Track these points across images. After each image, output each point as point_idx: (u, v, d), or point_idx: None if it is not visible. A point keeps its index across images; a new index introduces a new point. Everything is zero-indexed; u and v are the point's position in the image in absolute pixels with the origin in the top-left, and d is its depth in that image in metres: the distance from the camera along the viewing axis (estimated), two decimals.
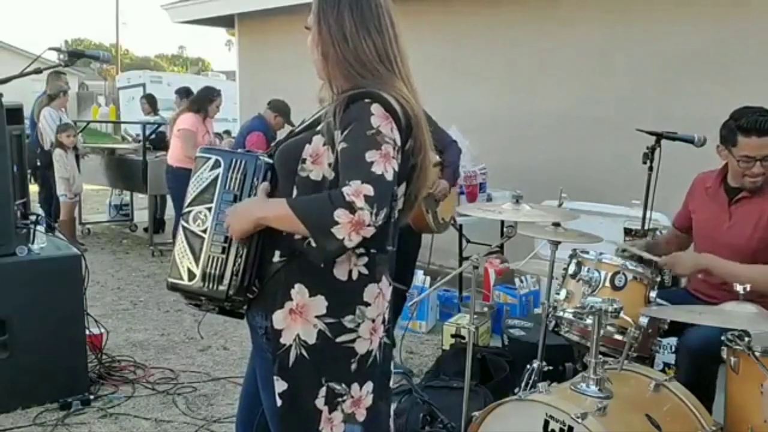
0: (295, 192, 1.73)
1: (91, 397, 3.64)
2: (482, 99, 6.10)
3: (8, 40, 29.90)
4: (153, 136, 8.07)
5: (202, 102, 6.48)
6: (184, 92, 7.97)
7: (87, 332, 3.83)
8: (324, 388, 1.74)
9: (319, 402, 1.74)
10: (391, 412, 1.97)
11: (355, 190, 1.57)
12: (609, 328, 2.65)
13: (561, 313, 2.81)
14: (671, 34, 5.01)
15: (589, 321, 2.55)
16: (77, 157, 7.27)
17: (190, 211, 1.81)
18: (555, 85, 5.66)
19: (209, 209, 1.79)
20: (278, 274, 1.75)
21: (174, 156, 6.33)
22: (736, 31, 4.72)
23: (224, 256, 1.76)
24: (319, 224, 1.59)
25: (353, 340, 1.75)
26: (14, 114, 3.58)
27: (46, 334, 3.54)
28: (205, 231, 1.78)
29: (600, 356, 2.38)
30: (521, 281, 4.86)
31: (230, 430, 3.34)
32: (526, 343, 3.68)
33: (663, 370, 2.78)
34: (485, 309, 4.60)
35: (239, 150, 1.94)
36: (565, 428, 2.17)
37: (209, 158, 1.83)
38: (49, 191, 7.37)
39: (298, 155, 1.73)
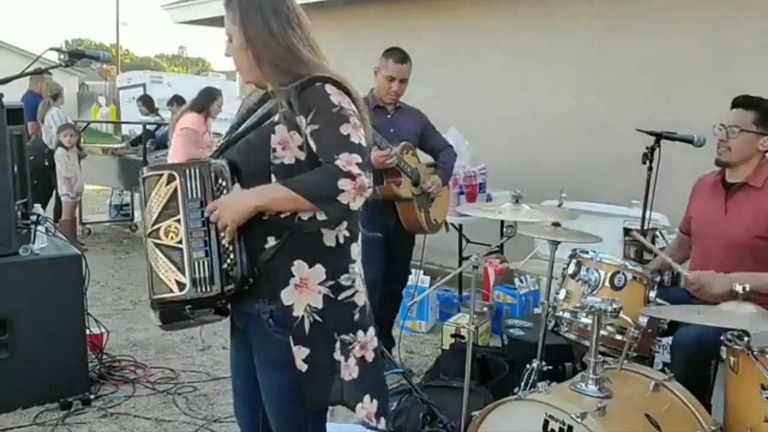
0: (273, 179, 1.86)
1: (92, 396, 3.64)
2: (482, 99, 6.10)
3: (8, 40, 29.87)
4: (154, 136, 8.09)
5: (205, 102, 6.52)
6: (174, 100, 8.09)
7: (87, 332, 3.84)
8: (338, 342, 1.91)
9: (336, 354, 1.91)
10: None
11: (347, 161, 1.77)
12: (609, 327, 2.65)
13: (561, 313, 2.81)
14: (671, 34, 5.01)
15: (588, 321, 2.55)
16: (79, 157, 7.29)
17: (158, 228, 1.86)
18: (555, 85, 5.66)
19: (178, 221, 1.85)
20: (275, 257, 1.87)
21: (176, 156, 6.33)
22: (736, 30, 4.72)
23: (209, 258, 1.83)
24: (326, 196, 1.78)
25: (353, 295, 1.93)
26: (14, 114, 3.58)
27: (46, 334, 3.55)
28: (180, 242, 1.85)
29: (600, 356, 2.38)
30: (521, 281, 4.86)
31: (230, 430, 3.34)
32: (526, 343, 3.68)
33: (663, 370, 2.78)
34: (485, 309, 4.60)
35: (180, 161, 2.00)
36: (565, 428, 2.18)
37: (161, 174, 1.88)
38: (47, 190, 7.36)
39: (266, 147, 1.86)
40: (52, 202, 7.45)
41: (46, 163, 7.29)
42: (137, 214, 8.83)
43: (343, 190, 1.75)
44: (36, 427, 3.38)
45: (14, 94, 3.58)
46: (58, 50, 3.32)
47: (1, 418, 3.43)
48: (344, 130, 1.81)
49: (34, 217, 3.68)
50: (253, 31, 1.91)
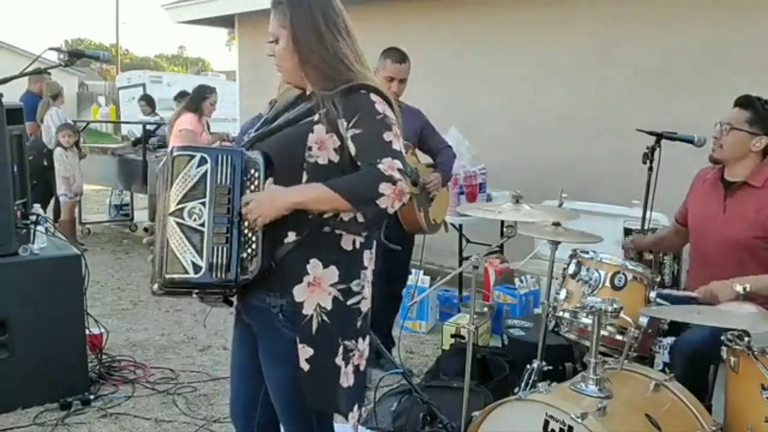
0: (305, 177, 1.88)
1: (91, 396, 3.64)
2: (482, 99, 6.10)
3: (8, 40, 29.83)
4: (155, 137, 8.09)
5: (198, 101, 6.50)
6: (180, 96, 8.05)
7: (87, 332, 3.84)
8: (341, 347, 1.92)
9: (338, 359, 1.92)
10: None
11: (389, 166, 1.79)
12: (609, 328, 2.65)
13: (561, 313, 2.81)
14: (671, 34, 5.01)
15: (588, 321, 2.55)
16: (78, 157, 7.28)
17: (183, 208, 1.86)
18: (555, 85, 5.66)
19: (203, 203, 1.86)
20: (292, 252, 1.89)
21: None
22: (737, 31, 4.71)
23: (228, 245, 1.84)
24: (366, 199, 1.79)
25: (359, 301, 1.95)
26: (14, 114, 3.58)
27: (46, 334, 3.55)
28: (203, 224, 1.85)
29: (600, 356, 2.38)
30: (521, 281, 4.86)
31: (230, 430, 3.34)
32: (526, 343, 3.68)
33: (663, 370, 2.78)
34: (485, 309, 4.60)
35: (214, 146, 2.00)
36: (565, 428, 2.17)
37: (193, 156, 1.88)
38: (47, 190, 7.36)
39: (302, 144, 1.87)
40: (52, 202, 7.45)
41: (46, 164, 7.29)
42: (137, 215, 8.84)
43: (383, 194, 1.77)
44: (36, 428, 3.37)
45: (13, 94, 3.58)
46: (58, 50, 3.32)
47: (1, 418, 3.43)
48: (387, 137, 1.84)
49: (33, 217, 3.68)
50: (302, 35, 1.91)
